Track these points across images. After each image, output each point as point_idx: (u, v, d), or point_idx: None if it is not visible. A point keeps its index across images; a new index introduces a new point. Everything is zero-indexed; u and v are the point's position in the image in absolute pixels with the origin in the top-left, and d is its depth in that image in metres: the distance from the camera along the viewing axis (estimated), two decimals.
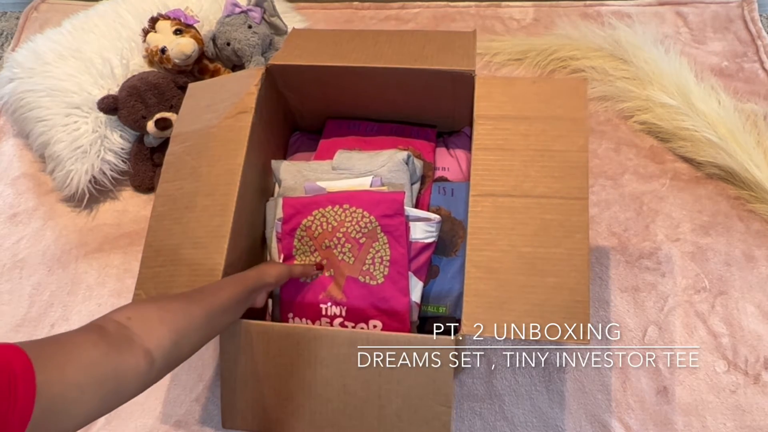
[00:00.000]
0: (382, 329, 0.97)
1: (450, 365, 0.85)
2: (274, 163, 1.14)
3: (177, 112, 1.13)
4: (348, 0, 1.77)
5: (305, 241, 1.04)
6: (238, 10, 1.39)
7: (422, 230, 1.01)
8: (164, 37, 1.38)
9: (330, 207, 1.03)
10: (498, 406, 1.14)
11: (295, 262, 1.04)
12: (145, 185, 1.44)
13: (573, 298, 0.84)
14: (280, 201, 1.07)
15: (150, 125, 1.35)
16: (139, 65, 1.44)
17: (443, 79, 1.04)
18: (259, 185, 1.11)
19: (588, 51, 1.50)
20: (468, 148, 1.20)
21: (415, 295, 1.00)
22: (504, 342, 1.19)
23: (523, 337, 0.84)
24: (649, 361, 1.15)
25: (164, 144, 1.39)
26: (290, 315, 1.03)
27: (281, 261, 1.04)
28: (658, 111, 1.37)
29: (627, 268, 1.25)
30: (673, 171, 1.36)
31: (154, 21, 1.41)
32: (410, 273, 1.00)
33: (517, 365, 1.17)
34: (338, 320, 1.00)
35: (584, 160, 0.92)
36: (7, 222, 1.44)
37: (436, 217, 1.02)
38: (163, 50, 1.36)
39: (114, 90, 1.39)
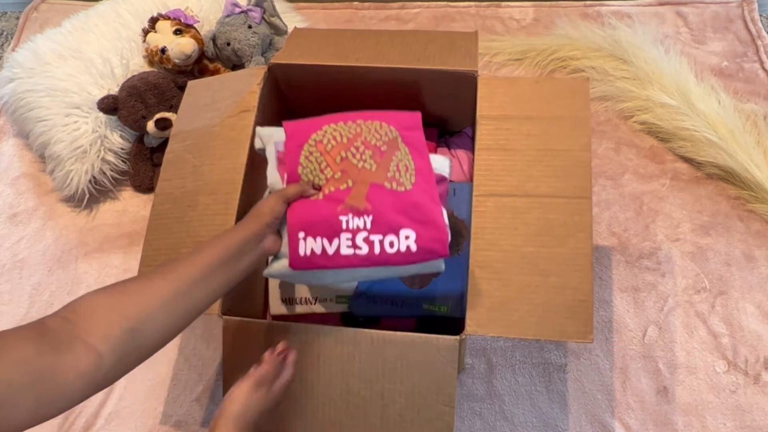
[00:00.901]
0: (416, 240, 0.82)
1: (453, 365, 0.85)
2: (260, 130, 0.97)
3: (177, 112, 1.13)
4: (348, 0, 1.77)
5: (315, 156, 0.88)
6: (238, 10, 1.39)
7: (437, 161, 0.92)
8: (164, 37, 1.37)
9: (342, 123, 0.90)
10: (498, 406, 1.14)
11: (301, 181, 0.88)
12: (145, 185, 1.44)
13: (576, 297, 0.85)
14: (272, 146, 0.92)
15: (150, 125, 1.34)
16: (139, 65, 1.43)
17: (445, 80, 1.04)
18: (262, 184, 1.11)
19: (588, 51, 1.51)
20: (469, 148, 1.20)
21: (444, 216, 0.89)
22: (504, 342, 1.19)
23: (525, 337, 0.84)
24: (649, 361, 1.15)
25: (164, 144, 1.38)
26: (301, 235, 0.83)
27: (284, 184, 0.88)
28: (658, 111, 1.37)
29: (627, 268, 1.25)
30: (673, 171, 1.36)
31: (154, 21, 1.41)
32: None
33: (517, 365, 1.17)
34: (362, 234, 0.83)
35: (587, 159, 0.92)
36: (7, 222, 1.44)
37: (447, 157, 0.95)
38: (163, 50, 1.36)
39: (114, 90, 1.39)
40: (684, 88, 1.36)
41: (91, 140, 1.37)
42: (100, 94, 1.38)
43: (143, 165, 1.42)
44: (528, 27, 1.65)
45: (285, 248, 0.84)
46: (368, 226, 0.83)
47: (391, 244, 0.82)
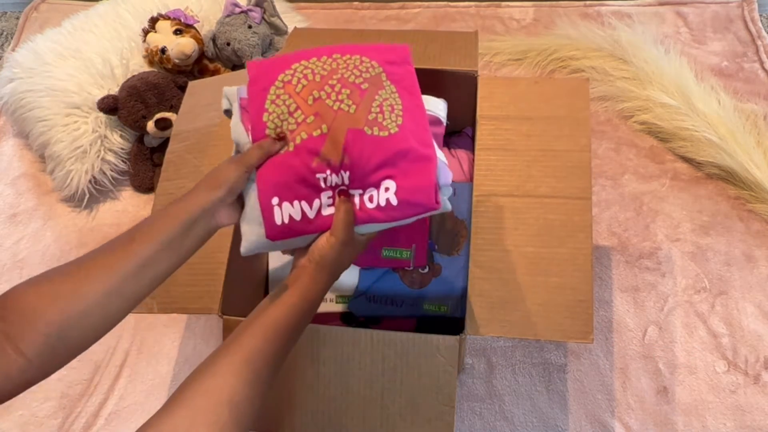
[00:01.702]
0: (396, 192, 0.72)
1: (453, 365, 0.85)
2: (226, 89, 0.83)
3: (177, 112, 1.13)
4: (348, 0, 1.77)
5: (283, 99, 0.74)
6: (238, 10, 1.39)
7: (429, 102, 0.84)
8: (164, 37, 1.38)
9: (315, 59, 0.76)
10: (498, 406, 1.14)
11: (267, 130, 0.74)
12: (145, 185, 1.44)
13: (576, 297, 0.85)
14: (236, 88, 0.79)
15: (150, 125, 1.34)
16: (139, 65, 1.44)
17: (445, 79, 1.04)
18: None
19: (588, 51, 1.51)
20: (469, 148, 1.20)
21: (442, 156, 0.77)
22: (504, 342, 1.19)
23: (525, 337, 0.84)
24: (649, 361, 1.15)
25: (164, 144, 1.39)
26: (275, 201, 0.72)
27: (249, 137, 0.75)
28: (658, 111, 1.37)
29: (627, 268, 1.25)
30: (673, 171, 1.36)
31: (154, 21, 1.41)
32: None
33: (517, 365, 1.17)
34: (343, 189, 0.74)
35: (587, 159, 0.92)
36: (7, 222, 1.44)
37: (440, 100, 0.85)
38: (163, 50, 1.36)
39: (114, 90, 1.39)
40: (684, 88, 1.36)
41: (91, 140, 1.37)
42: (100, 94, 1.38)
43: (143, 165, 1.42)
44: (528, 27, 1.65)
45: (252, 212, 0.73)
46: (346, 181, 0.73)
47: (371, 199, 0.73)
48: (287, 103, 0.74)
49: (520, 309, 0.85)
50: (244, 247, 0.75)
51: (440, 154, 0.76)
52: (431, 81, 1.06)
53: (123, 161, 1.43)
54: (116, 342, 1.25)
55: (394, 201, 0.72)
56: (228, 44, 1.37)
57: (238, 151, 0.78)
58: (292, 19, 1.59)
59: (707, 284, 1.22)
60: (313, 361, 0.89)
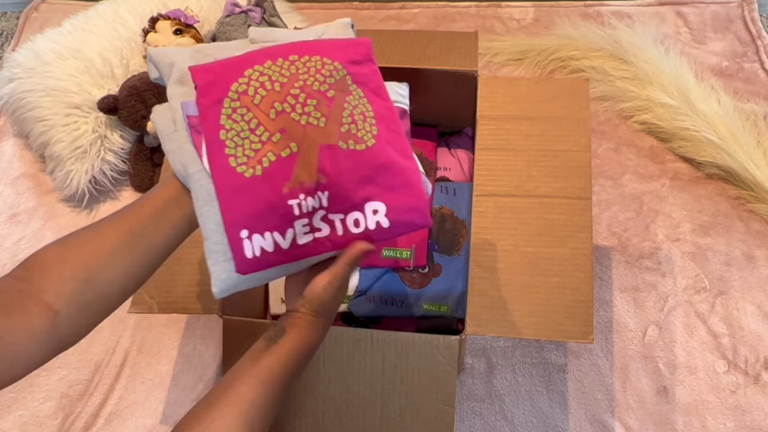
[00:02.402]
0: (387, 214, 0.66)
1: (453, 365, 0.85)
2: (155, 49, 0.75)
3: None
4: (348, 0, 1.76)
5: (241, 113, 0.65)
6: (238, 10, 1.39)
7: (393, 92, 0.77)
8: (164, 37, 1.37)
9: (270, 62, 0.67)
10: (498, 406, 1.14)
11: (227, 150, 0.64)
12: (145, 185, 1.43)
13: (576, 297, 0.85)
14: (178, 101, 0.70)
15: (150, 125, 1.34)
16: (139, 65, 1.43)
17: (445, 80, 1.04)
18: None
19: (588, 51, 1.51)
20: (469, 148, 1.20)
21: (417, 164, 0.73)
22: (504, 342, 1.19)
23: (525, 337, 0.84)
24: (649, 361, 1.15)
25: None
26: (244, 234, 0.64)
27: (204, 161, 0.65)
28: (658, 111, 1.37)
29: (627, 268, 1.25)
30: (673, 171, 1.36)
31: (154, 21, 1.41)
32: None
33: (517, 365, 1.17)
34: (320, 213, 0.66)
35: (587, 159, 0.92)
36: (7, 222, 1.44)
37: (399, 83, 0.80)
38: None
39: (114, 90, 1.39)
40: (684, 88, 1.36)
41: (91, 140, 1.37)
42: (100, 94, 1.38)
43: (143, 165, 1.42)
44: (528, 27, 1.65)
45: (215, 246, 0.65)
46: (325, 203, 0.66)
47: (356, 223, 0.66)
48: (246, 117, 0.65)
49: (520, 309, 0.86)
50: (217, 288, 0.67)
51: (415, 158, 0.71)
52: (431, 81, 1.06)
53: (123, 161, 1.43)
54: (116, 342, 1.25)
55: (385, 223, 0.66)
56: None
57: (180, 182, 0.67)
58: (292, 19, 1.59)
59: (707, 284, 1.22)
60: (313, 361, 0.89)
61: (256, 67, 0.66)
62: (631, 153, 1.39)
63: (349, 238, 0.66)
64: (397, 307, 1.07)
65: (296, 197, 0.64)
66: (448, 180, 1.16)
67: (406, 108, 0.77)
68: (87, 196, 1.41)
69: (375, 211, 0.66)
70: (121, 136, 1.41)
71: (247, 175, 0.64)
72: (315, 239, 0.66)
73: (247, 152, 0.64)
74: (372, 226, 0.66)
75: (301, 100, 0.65)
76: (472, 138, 1.19)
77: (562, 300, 0.85)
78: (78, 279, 0.58)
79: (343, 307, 1.09)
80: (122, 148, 1.42)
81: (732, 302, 1.20)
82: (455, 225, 1.08)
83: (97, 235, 0.62)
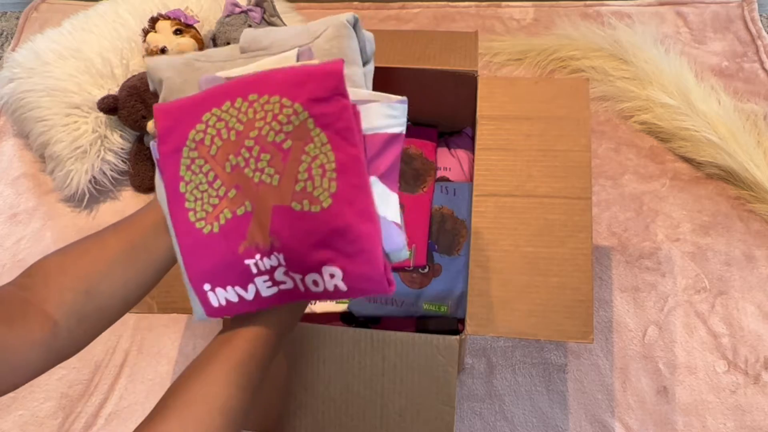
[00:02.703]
0: (343, 279, 0.62)
1: (453, 365, 0.85)
2: (150, 60, 0.73)
3: None
4: (348, 0, 1.76)
5: (199, 164, 0.63)
6: (238, 10, 1.39)
7: (382, 115, 0.66)
8: (164, 37, 1.37)
9: (229, 103, 0.63)
10: (498, 406, 1.14)
11: (187, 204, 0.63)
12: (145, 185, 1.43)
13: (576, 297, 0.85)
14: None
15: (150, 125, 1.34)
16: (139, 65, 1.43)
17: (445, 80, 1.04)
18: None
19: (588, 51, 1.51)
20: (469, 148, 1.20)
21: (392, 213, 0.64)
22: (504, 342, 1.19)
23: (525, 337, 0.84)
24: (649, 361, 1.15)
25: None
26: (207, 287, 0.64)
27: (166, 207, 0.65)
28: (658, 111, 1.37)
29: (627, 268, 1.25)
30: (673, 171, 1.36)
31: (154, 21, 1.41)
32: (375, 179, 0.63)
33: (517, 365, 1.17)
34: (281, 270, 0.64)
35: (587, 159, 0.92)
36: (7, 222, 1.44)
37: (397, 97, 0.70)
38: (164, 50, 1.36)
39: (114, 90, 1.39)
40: (684, 88, 1.36)
41: (91, 140, 1.37)
42: (100, 94, 1.38)
43: (143, 165, 1.42)
44: (528, 27, 1.65)
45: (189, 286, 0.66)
46: (283, 262, 0.63)
47: (315, 283, 0.63)
48: (204, 169, 0.63)
49: (520, 309, 0.85)
50: (197, 316, 0.67)
51: (393, 204, 0.64)
52: (431, 81, 1.06)
53: (123, 161, 1.43)
54: (116, 342, 1.25)
55: (343, 287, 0.62)
56: (228, 44, 1.37)
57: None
58: (292, 19, 1.59)
59: (707, 284, 1.22)
60: (313, 361, 0.89)
61: (213, 110, 0.63)
62: (631, 153, 1.39)
63: (311, 295, 0.64)
64: (397, 307, 1.07)
65: (252, 257, 0.63)
66: (448, 180, 1.16)
67: (401, 130, 0.67)
68: (87, 196, 1.41)
69: (332, 275, 0.62)
70: (121, 136, 1.41)
71: (205, 231, 0.63)
72: (280, 291, 0.64)
73: (205, 207, 0.63)
74: (330, 288, 0.63)
75: (254, 153, 0.61)
76: (472, 138, 1.19)
77: (562, 300, 0.85)
78: (78, 290, 0.58)
79: (343, 307, 1.09)
80: (122, 148, 1.42)
81: (732, 302, 1.20)
82: (455, 225, 1.08)
83: (99, 246, 0.62)
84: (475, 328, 0.85)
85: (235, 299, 0.64)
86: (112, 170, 1.41)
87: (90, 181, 1.39)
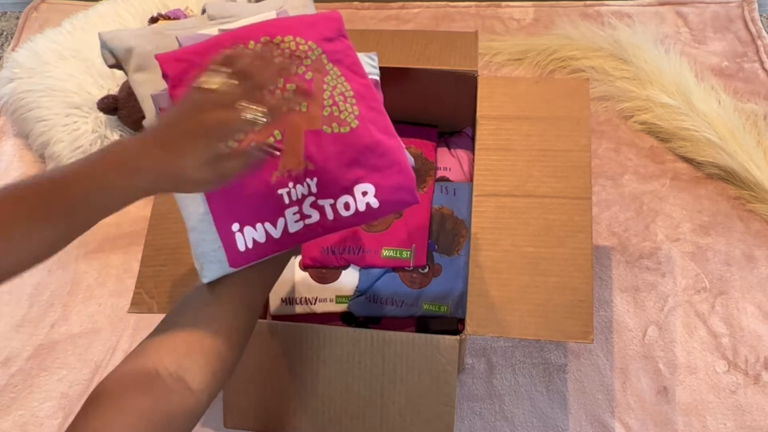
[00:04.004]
0: (376, 194, 0.65)
1: (453, 365, 0.85)
2: (106, 34, 0.70)
3: None
4: (348, 0, 1.76)
5: None
6: None
7: (366, 63, 0.74)
8: None
9: (242, 46, 0.64)
10: (498, 406, 1.14)
11: None
12: None
13: (576, 297, 0.85)
14: (145, 90, 0.68)
15: None
16: None
17: (445, 79, 1.04)
18: None
19: (588, 51, 1.51)
20: (469, 148, 1.20)
21: None
22: (504, 342, 1.19)
23: (525, 337, 0.84)
24: (649, 361, 1.15)
25: None
26: (235, 228, 0.64)
27: None
28: (658, 111, 1.37)
29: (627, 268, 1.25)
30: (673, 171, 1.36)
31: (154, 21, 1.41)
32: None
33: (517, 365, 1.17)
34: (309, 200, 0.66)
35: (587, 159, 0.92)
36: None
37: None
38: None
39: (114, 90, 1.39)
40: (684, 88, 1.36)
41: (91, 140, 1.37)
42: (100, 94, 1.38)
43: None
44: (528, 27, 1.65)
45: (203, 236, 0.65)
46: (314, 190, 0.65)
47: (347, 206, 0.66)
48: None
49: (520, 309, 0.85)
50: (207, 278, 0.67)
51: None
52: (431, 81, 1.06)
53: None
54: (116, 342, 1.25)
55: (375, 204, 0.66)
56: None
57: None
58: None
59: (707, 284, 1.22)
60: (313, 361, 0.89)
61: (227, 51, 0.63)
62: (631, 153, 1.39)
63: (339, 222, 0.66)
64: (397, 307, 1.07)
65: (285, 186, 0.64)
66: (448, 180, 1.16)
67: (378, 78, 0.75)
68: None
69: (364, 193, 0.66)
70: (121, 136, 1.41)
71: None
72: (305, 226, 0.66)
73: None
74: (362, 207, 0.66)
75: (279, 85, 0.62)
76: (472, 138, 1.19)
77: (562, 300, 0.85)
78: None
79: (343, 307, 1.09)
80: None
81: (732, 302, 1.20)
82: (455, 225, 1.08)
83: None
84: (475, 328, 0.85)
85: (262, 239, 0.65)
86: None
87: None
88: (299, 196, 0.65)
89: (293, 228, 0.66)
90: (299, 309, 1.09)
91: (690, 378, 1.13)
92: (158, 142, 0.54)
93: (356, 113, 0.66)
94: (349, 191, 0.66)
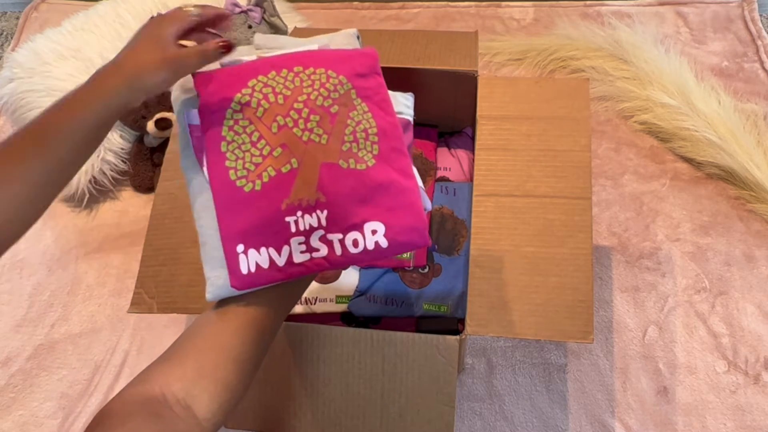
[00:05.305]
0: (386, 234, 0.65)
1: (453, 365, 0.85)
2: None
3: None
4: (348, 0, 1.77)
5: (243, 125, 0.66)
6: (238, 10, 1.39)
7: (400, 103, 0.75)
8: None
9: (275, 72, 0.67)
10: (498, 406, 1.14)
11: (227, 162, 0.65)
12: (145, 185, 1.43)
13: (576, 297, 0.85)
14: (180, 106, 0.70)
15: (150, 125, 1.34)
16: None
17: (445, 79, 1.04)
18: None
19: (588, 51, 1.51)
20: (469, 148, 1.20)
21: (418, 178, 0.71)
22: (504, 342, 1.19)
23: (525, 337, 0.84)
24: (649, 361, 1.15)
25: (164, 144, 1.39)
26: (240, 248, 0.65)
27: (204, 167, 0.67)
28: (658, 111, 1.37)
29: (627, 268, 1.25)
30: (673, 171, 1.36)
31: None
32: None
33: (517, 365, 1.17)
34: (317, 233, 0.66)
35: (587, 159, 0.92)
36: None
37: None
38: None
39: None
40: (684, 88, 1.36)
41: None
42: None
43: (143, 165, 1.42)
44: (528, 27, 1.65)
45: (213, 252, 0.66)
46: (323, 223, 0.65)
47: (355, 243, 0.65)
48: (248, 130, 0.65)
49: (520, 309, 0.85)
50: (212, 294, 0.67)
51: (415, 172, 0.69)
52: (431, 81, 1.06)
53: (123, 161, 1.43)
54: (116, 342, 1.25)
55: (384, 243, 0.65)
56: None
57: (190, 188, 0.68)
58: (292, 19, 1.59)
59: (707, 284, 1.22)
60: (313, 361, 0.89)
61: (260, 77, 0.66)
62: (631, 153, 1.39)
63: (347, 258, 0.66)
64: (397, 307, 1.07)
65: (294, 214, 0.65)
66: (448, 180, 1.16)
67: (410, 119, 0.75)
68: (87, 196, 1.41)
69: (374, 231, 0.65)
70: (121, 136, 1.41)
71: (246, 189, 0.64)
72: (312, 259, 0.66)
73: (247, 165, 0.64)
74: (371, 246, 0.65)
75: (304, 115, 0.65)
76: (472, 138, 1.19)
77: (562, 300, 0.85)
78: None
79: (343, 307, 1.09)
80: (122, 148, 1.42)
81: (732, 302, 1.20)
82: (455, 225, 1.08)
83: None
84: (475, 328, 0.85)
85: (265, 264, 0.65)
86: (112, 170, 1.41)
87: (90, 181, 1.39)
88: (307, 227, 0.65)
89: (298, 258, 0.66)
90: (299, 309, 1.09)
91: (690, 378, 1.13)
92: (121, 52, 0.62)
93: (375, 152, 0.67)
94: (359, 228, 0.65)
